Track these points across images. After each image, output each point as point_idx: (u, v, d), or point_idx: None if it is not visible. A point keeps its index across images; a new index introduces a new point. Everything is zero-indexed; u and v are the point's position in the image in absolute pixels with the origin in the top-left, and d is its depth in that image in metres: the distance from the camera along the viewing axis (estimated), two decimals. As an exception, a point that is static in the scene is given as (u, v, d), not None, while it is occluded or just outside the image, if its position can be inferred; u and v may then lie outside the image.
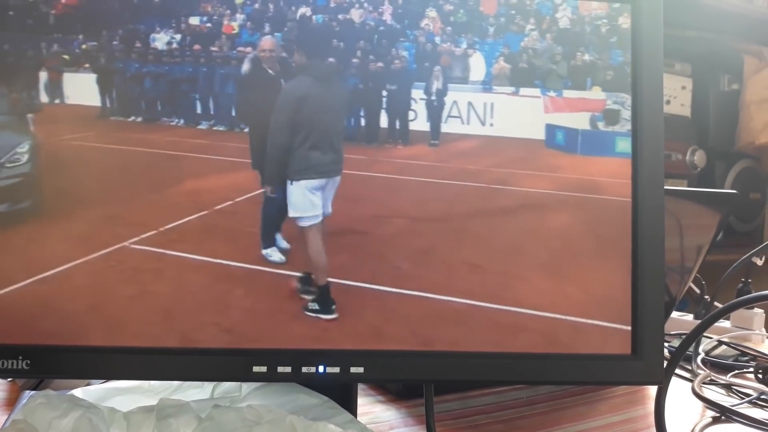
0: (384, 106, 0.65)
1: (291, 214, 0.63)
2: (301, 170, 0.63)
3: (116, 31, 0.63)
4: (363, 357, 0.62)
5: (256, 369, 0.60)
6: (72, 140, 0.63)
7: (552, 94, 0.66)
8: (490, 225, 0.65)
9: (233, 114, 0.65)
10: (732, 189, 2.13)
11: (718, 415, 0.82)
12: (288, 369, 0.60)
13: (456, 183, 0.66)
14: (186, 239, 0.63)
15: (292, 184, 0.63)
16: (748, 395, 0.89)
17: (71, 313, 0.61)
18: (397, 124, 0.66)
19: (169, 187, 0.64)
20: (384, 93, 0.65)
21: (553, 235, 0.65)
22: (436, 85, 0.64)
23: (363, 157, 0.66)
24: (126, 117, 0.64)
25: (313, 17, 0.64)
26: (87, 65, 0.63)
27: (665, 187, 0.65)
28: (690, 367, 0.99)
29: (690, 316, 1.25)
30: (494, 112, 0.67)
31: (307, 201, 0.63)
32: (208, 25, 0.64)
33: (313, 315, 0.62)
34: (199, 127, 0.65)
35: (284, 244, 0.63)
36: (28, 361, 0.60)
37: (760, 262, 1.12)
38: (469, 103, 0.67)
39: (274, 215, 0.63)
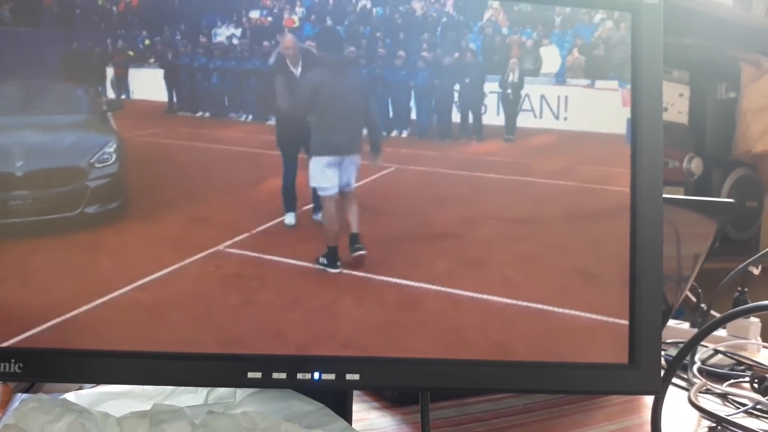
0: (455, 100, 0.65)
1: (311, 184, 0.65)
2: (317, 148, 0.65)
3: (178, 26, 0.63)
4: (358, 364, 0.61)
5: (250, 375, 0.60)
6: (148, 137, 0.62)
7: (630, 86, 0.65)
8: (591, 228, 0.64)
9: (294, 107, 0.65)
10: (728, 197, 2.13)
11: (714, 425, 0.82)
12: (283, 375, 0.60)
13: (545, 181, 0.64)
14: (281, 242, 0.62)
15: (310, 159, 0.65)
16: (744, 405, 0.89)
17: (176, 323, 0.60)
18: (470, 119, 0.65)
19: (253, 187, 0.63)
20: (456, 87, 0.65)
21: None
22: (512, 78, 0.64)
23: (437, 153, 0.65)
24: (193, 112, 0.64)
25: (374, 9, 0.64)
26: (152, 60, 0.63)
27: (663, 196, 0.65)
28: (686, 376, 0.99)
29: (686, 325, 1.25)
30: (568, 106, 0.65)
31: (323, 175, 0.65)
32: (269, 18, 0.64)
33: (321, 267, 0.63)
34: (269, 122, 0.65)
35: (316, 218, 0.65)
36: (21, 364, 0.59)
37: (756, 272, 1.12)
38: (542, 96, 0.65)
39: (291, 185, 0.65)
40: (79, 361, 0.60)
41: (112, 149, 0.63)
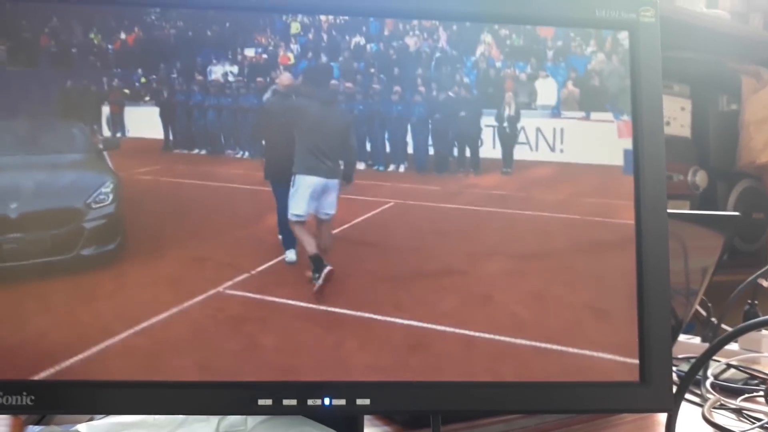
0: (452, 134, 0.65)
1: (290, 210, 0.64)
2: (300, 167, 0.65)
3: (174, 63, 0.63)
4: (369, 388, 0.61)
5: (261, 402, 0.60)
6: (145, 175, 0.62)
7: (626, 117, 0.65)
8: (593, 259, 0.63)
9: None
10: (734, 209, 2.12)
11: (729, 441, 0.81)
12: (293, 402, 0.60)
13: (548, 215, 0.64)
14: (284, 281, 0.61)
15: (295, 177, 0.65)
16: (759, 420, 0.87)
17: (179, 370, 0.59)
18: (468, 153, 0.66)
19: (252, 224, 0.62)
20: (452, 121, 0.65)
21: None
22: (509, 111, 0.65)
23: (436, 187, 0.65)
24: (190, 150, 0.64)
25: (368, 45, 0.65)
26: (147, 98, 0.63)
27: (668, 211, 0.65)
28: (699, 392, 0.98)
29: (697, 339, 1.24)
30: (564, 138, 0.66)
31: (306, 205, 0.65)
32: (264, 56, 0.64)
33: (315, 281, 0.62)
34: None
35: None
36: (33, 397, 0.59)
37: (766, 284, 1.11)
38: (538, 129, 0.66)
39: (286, 220, 0.64)
40: (90, 392, 0.60)
41: (109, 189, 0.62)
